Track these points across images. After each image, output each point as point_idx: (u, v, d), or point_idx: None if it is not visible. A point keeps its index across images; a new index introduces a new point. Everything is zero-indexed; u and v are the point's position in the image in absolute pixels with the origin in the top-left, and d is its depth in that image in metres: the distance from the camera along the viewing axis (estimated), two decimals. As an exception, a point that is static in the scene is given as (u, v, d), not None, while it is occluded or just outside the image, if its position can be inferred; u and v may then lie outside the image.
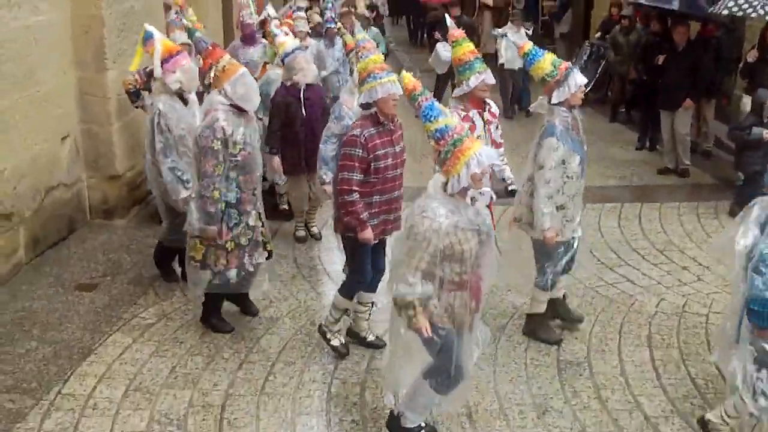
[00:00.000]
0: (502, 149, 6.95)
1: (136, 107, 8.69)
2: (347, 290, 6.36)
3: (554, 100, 6.12)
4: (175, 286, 7.58)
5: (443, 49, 13.93)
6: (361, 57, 5.96)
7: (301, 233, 8.80)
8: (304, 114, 8.09)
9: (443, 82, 14.62)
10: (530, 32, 13.93)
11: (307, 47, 9.78)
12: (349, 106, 7.32)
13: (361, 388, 6.08)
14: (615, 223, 9.45)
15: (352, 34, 11.37)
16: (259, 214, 6.55)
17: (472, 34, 13.97)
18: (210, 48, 6.40)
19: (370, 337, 6.58)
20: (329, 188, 7.28)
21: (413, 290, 4.68)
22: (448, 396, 5.15)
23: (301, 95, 8.09)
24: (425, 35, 20.96)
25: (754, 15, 10.10)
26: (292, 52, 8.12)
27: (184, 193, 6.97)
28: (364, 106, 6.00)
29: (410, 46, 24.87)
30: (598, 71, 14.57)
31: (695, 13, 11.35)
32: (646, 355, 6.55)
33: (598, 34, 15.13)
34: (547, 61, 6.15)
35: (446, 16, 7.73)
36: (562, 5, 18.13)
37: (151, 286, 7.62)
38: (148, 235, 8.63)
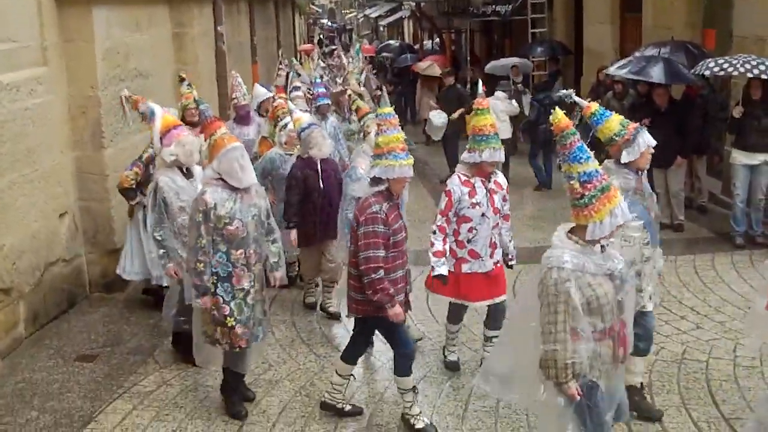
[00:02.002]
0: (508, 223, 7.02)
1: (134, 204, 8.52)
2: (402, 369, 6.17)
3: (624, 160, 5.84)
4: (175, 354, 7.59)
5: (437, 117, 14.21)
6: (385, 131, 5.99)
7: (311, 299, 8.79)
8: (322, 186, 8.16)
9: (452, 143, 14.85)
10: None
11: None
12: (363, 167, 7.37)
13: (361, 444, 6.07)
14: (612, 278, 9.46)
15: (349, 110, 11.67)
16: (260, 290, 6.41)
17: (465, 102, 14.32)
18: (209, 121, 6.40)
19: (347, 408, 6.47)
20: None
21: (563, 349, 4.50)
22: None
23: (318, 168, 8.17)
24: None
25: (735, 73, 10.35)
26: (308, 126, 8.19)
27: (160, 270, 7.21)
28: (375, 180, 5.99)
29: (402, 122, 25.13)
30: (591, 135, 14.71)
31: (677, 83, 11.59)
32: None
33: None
34: (615, 121, 5.91)
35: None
36: (551, 75, 18.48)
37: (151, 356, 7.64)
38: (148, 307, 8.68)
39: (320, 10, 66.44)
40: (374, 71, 23.57)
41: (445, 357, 7.30)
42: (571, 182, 4.64)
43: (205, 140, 6.46)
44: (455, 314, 7.19)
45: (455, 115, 14.24)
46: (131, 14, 10.09)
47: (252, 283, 6.28)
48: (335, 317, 8.48)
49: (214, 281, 6.15)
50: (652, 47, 12.47)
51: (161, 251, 7.07)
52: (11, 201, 7.85)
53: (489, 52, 28.70)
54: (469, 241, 6.75)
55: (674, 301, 8.69)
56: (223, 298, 6.17)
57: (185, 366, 7.33)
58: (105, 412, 6.59)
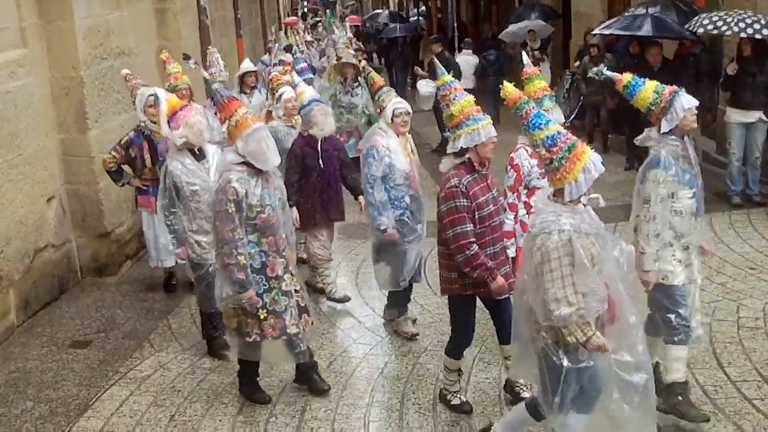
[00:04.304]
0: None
1: (122, 185, 8.46)
2: (454, 351, 5.97)
3: (664, 129, 5.50)
4: (170, 337, 7.50)
5: (424, 86, 14.00)
6: (456, 98, 5.58)
7: (321, 285, 8.32)
8: (321, 165, 7.86)
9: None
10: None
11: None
12: (383, 143, 7.07)
13: (364, 422, 5.98)
14: (610, 243, 9.36)
15: (352, 83, 11.46)
16: (293, 276, 6.13)
17: (452, 70, 14.13)
18: (225, 101, 5.95)
19: (455, 401, 6.09)
20: (394, 233, 7.04)
21: (581, 308, 4.40)
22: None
23: (319, 146, 7.85)
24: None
25: (728, 33, 10.15)
26: (309, 103, 7.88)
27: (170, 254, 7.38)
28: (458, 153, 5.58)
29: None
30: (581, 99, 14.62)
31: (668, 36, 11.43)
32: (652, 367, 6.45)
33: (577, 63, 15.22)
34: (649, 90, 5.58)
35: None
36: (543, 43, 18.20)
37: (146, 339, 7.53)
38: (141, 290, 8.59)
39: (303, -18, 65.84)
40: (359, 41, 23.33)
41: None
42: (537, 149, 4.64)
43: (222, 122, 6.06)
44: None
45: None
46: (111, -10, 9.85)
47: (285, 269, 6.04)
48: (344, 300, 8.20)
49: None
50: (642, 7, 12.31)
51: (171, 236, 6.91)
52: (-4, 187, 7.70)
53: (476, 19, 28.49)
54: None
55: (674, 263, 8.59)
56: (255, 291, 5.89)
57: (181, 349, 7.22)
58: (101, 399, 6.48)
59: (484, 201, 5.54)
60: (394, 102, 7.19)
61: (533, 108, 4.75)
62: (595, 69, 6.01)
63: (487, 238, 5.56)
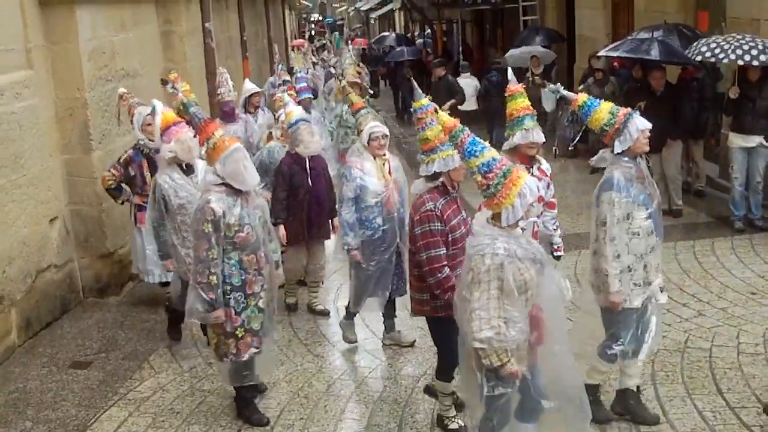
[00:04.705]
0: (555, 211, 6.72)
1: (122, 203, 8.52)
2: (443, 374, 6.02)
3: (617, 150, 5.62)
4: (170, 358, 7.50)
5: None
6: (431, 123, 5.64)
7: (292, 300, 8.65)
8: (310, 183, 7.99)
9: None
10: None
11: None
12: (358, 166, 7.24)
13: (362, 445, 5.98)
14: (612, 267, 9.36)
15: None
16: (269, 292, 6.22)
17: (455, 94, 14.24)
18: (203, 124, 6.12)
19: (453, 426, 6.10)
20: (357, 254, 7.22)
21: (501, 333, 4.55)
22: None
23: (307, 165, 7.99)
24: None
25: (725, 61, 10.15)
26: (296, 122, 8.02)
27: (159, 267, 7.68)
28: (430, 177, 5.69)
29: (399, 119, 24.62)
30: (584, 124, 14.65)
31: (674, 62, 11.46)
32: (650, 393, 6.42)
33: (581, 86, 15.28)
34: (604, 111, 5.67)
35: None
36: (546, 69, 18.14)
37: (146, 360, 7.53)
38: (143, 311, 8.61)
39: (310, 5, 66.30)
40: (364, 63, 23.40)
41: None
42: (474, 176, 4.74)
43: (201, 144, 6.24)
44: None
45: (446, 106, 14.10)
46: (116, 13, 9.93)
47: (263, 286, 6.11)
48: (324, 314, 8.44)
49: (227, 291, 5.96)
50: (645, 31, 12.35)
51: (158, 248, 7.20)
52: (0, 207, 7.72)
53: (481, 42, 28.61)
54: None
55: (675, 288, 8.58)
56: (234, 309, 5.98)
57: (181, 371, 7.23)
58: (100, 420, 6.49)
59: (456, 224, 5.66)
60: (371, 125, 7.35)
61: (468, 135, 4.84)
62: (551, 87, 6.11)
63: (459, 260, 5.59)
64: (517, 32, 20.01)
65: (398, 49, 25.68)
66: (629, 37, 12.57)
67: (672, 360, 6.95)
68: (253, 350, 6.11)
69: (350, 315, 7.71)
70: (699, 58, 10.44)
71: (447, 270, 5.57)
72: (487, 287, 4.54)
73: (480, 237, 4.67)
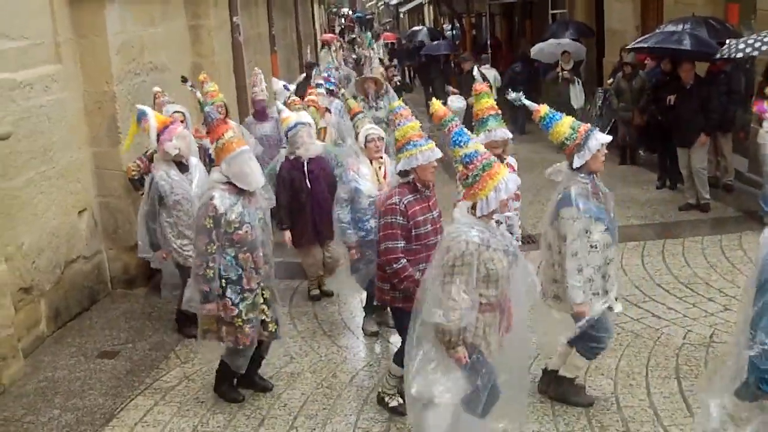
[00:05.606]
0: (518, 203, 6.85)
1: (142, 194, 8.49)
2: (401, 358, 5.98)
3: (576, 164, 5.74)
4: (196, 349, 7.57)
5: (455, 102, 14.19)
6: (399, 124, 5.92)
7: (315, 292, 8.79)
8: (309, 186, 8.11)
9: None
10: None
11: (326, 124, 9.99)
12: (354, 169, 7.41)
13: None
14: (638, 261, 9.33)
15: (375, 98, 11.72)
16: (266, 293, 6.38)
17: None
18: (215, 123, 6.28)
19: (393, 403, 6.34)
20: (354, 252, 7.42)
21: (457, 318, 4.81)
22: (489, 416, 5.18)
23: (305, 168, 8.11)
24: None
25: (765, 49, 10.11)
26: (295, 126, 8.11)
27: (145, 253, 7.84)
28: (402, 174, 5.88)
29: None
30: (611, 122, 14.58)
31: (705, 53, 11.34)
32: (674, 387, 6.40)
33: (611, 80, 15.19)
34: (565, 125, 5.80)
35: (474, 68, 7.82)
36: (575, 65, 17.96)
37: (173, 350, 7.64)
38: (169, 302, 8.65)
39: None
40: (393, 58, 23.39)
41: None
42: (456, 165, 5.02)
43: (211, 143, 6.42)
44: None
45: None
46: (145, 7, 10.04)
47: (260, 284, 6.28)
48: (328, 295, 8.80)
49: (223, 284, 6.15)
50: (673, 24, 12.26)
51: (147, 240, 7.56)
52: (29, 199, 7.83)
53: (510, 36, 28.49)
54: None
55: (701, 282, 8.54)
56: (231, 300, 6.18)
57: (207, 361, 7.28)
58: (127, 409, 6.58)
59: (422, 220, 5.82)
60: (367, 128, 7.59)
61: (456, 125, 5.13)
62: (513, 95, 6.18)
63: (422, 255, 5.78)
64: (546, 25, 19.90)
65: (434, 43, 25.48)
66: (658, 30, 12.49)
67: (697, 354, 6.92)
68: (249, 341, 6.32)
69: (366, 310, 7.89)
70: (740, 55, 10.36)
71: (404, 261, 5.76)
72: (459, 271, 4.78)
73: (458, 224, 4.92)
